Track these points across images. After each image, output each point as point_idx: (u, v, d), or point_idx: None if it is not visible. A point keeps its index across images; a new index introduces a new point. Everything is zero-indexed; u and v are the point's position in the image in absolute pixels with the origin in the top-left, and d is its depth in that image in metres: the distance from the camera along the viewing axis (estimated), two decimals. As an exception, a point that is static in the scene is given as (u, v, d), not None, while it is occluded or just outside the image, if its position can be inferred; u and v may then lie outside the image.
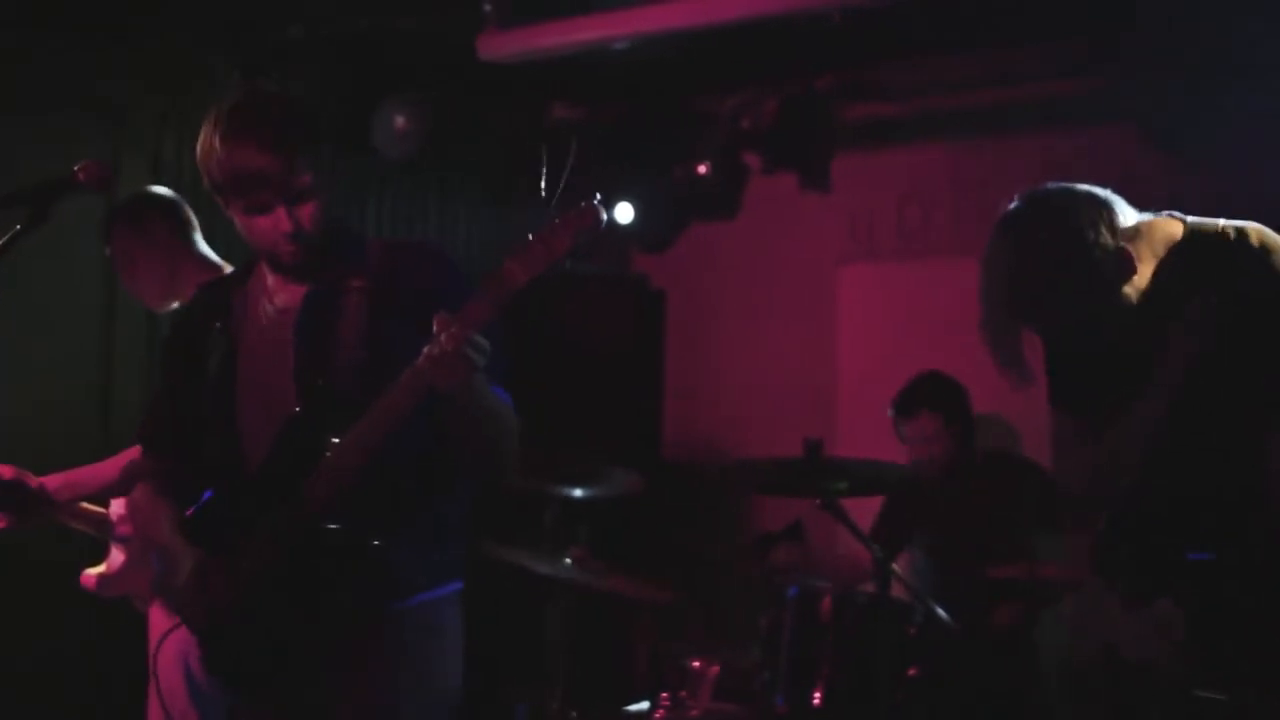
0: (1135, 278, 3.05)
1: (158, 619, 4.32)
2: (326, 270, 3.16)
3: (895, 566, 4.73)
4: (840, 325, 7.30)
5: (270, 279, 3.23)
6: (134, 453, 4.23)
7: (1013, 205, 3.16)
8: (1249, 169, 3.20)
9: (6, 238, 3.12)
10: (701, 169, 7.14)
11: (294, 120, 3.08)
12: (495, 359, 3.01)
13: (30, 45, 5.75)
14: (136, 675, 4.36)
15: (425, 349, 2.80)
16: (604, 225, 2.77)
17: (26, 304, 5.43)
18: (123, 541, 4.41)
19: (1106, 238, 3.03)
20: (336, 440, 2.94)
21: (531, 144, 7.34)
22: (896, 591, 4.76)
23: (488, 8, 6.25)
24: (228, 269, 4.52)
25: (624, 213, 7.36)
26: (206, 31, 6.22)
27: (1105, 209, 3.07)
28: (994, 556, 5.08)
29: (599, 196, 2.77)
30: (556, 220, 2.75)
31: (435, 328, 2.77)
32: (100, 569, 4.45)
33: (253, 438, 3.13)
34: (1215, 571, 3.02)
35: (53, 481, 4.26)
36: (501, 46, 6.30)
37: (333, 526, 2.96)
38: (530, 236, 2.75)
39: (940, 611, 4.68)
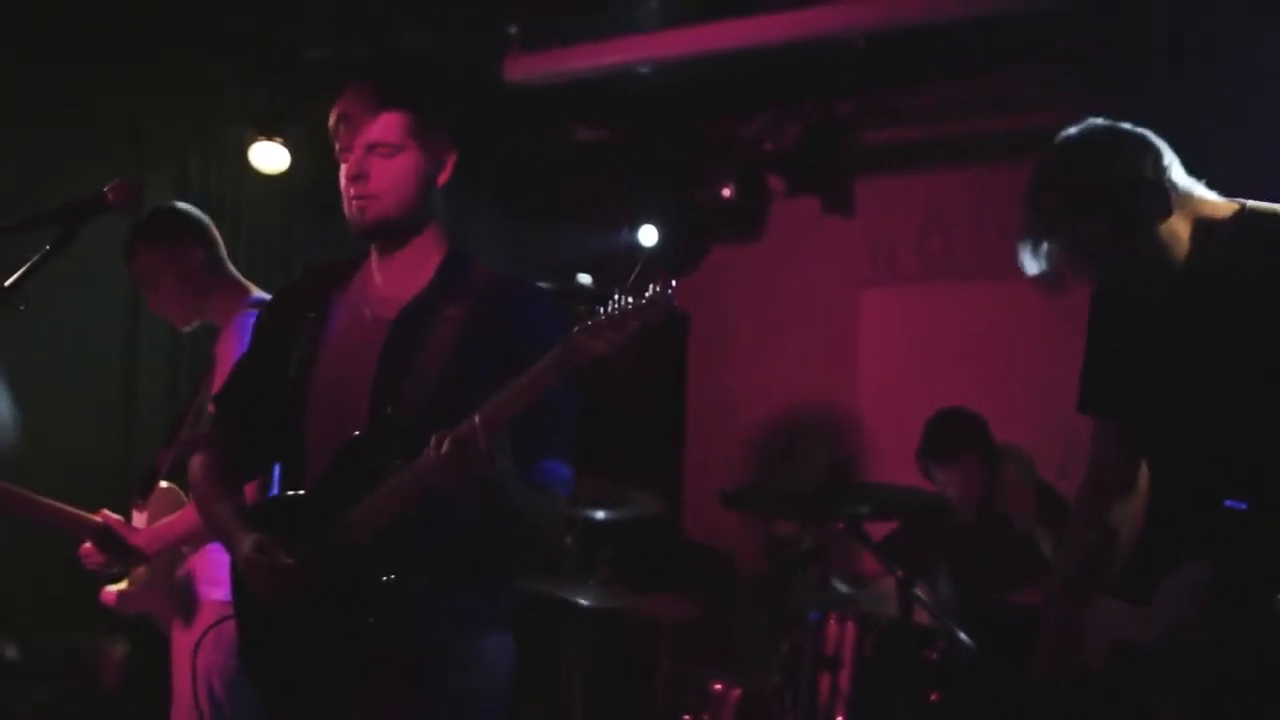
0: (1173, 223, 3.10)
1: (180, 638, 4.33)
2: (404, 250, 3.15)
3: (918, 591, 4.72)
4: (862, 348, 7.29)
5: (376, 281, 3.20)
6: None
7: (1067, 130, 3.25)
8: (1265, 190, 3.21)
9: (36, 258, 3.13)
10: (725, 192, 7.15)
11: (400, 80, 3.10)
12: (556, 433, 3.03)
13: (50, 64, 5.77)
14: (160, 691, 4.39)
15: (428, 448, 2.78)
16: (672, 316, 2.71)
17: (54, 318, 5.46)
18: (144, 561, 4.41)
19: (1148, 171, 3.10)
20: (393, 473, 2.90)
21: (554, 165, 7.37)
22: (919, 616, 4.75)
23: (513, 30, 6.28)
24: (254, 290, 4.53)
25: (647, 235, 7.37)
26: (229, 49, 6.25)
27: (1153, 149, 3.15)
28: (1015, 582, 5.07)
29: (673, 285, 2.70)
30: (629, 305, 2.69)
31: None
32: (121, 585, 4.46)
33: (317, 445, 3.08)
34: (1250, 519, 3.03)
35: None
36: (527, 69, 6.33)
37: (374, 563, 2.92)
38: (600, 312, 2.71)
39: (963, 636, 4.67)
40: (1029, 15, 5.77)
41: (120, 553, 4.28)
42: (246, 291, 4.51)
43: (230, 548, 3.12)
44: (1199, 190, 3.19)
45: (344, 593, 2.95)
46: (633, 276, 2.71)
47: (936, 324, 6.95)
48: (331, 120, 3.13)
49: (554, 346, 2.76)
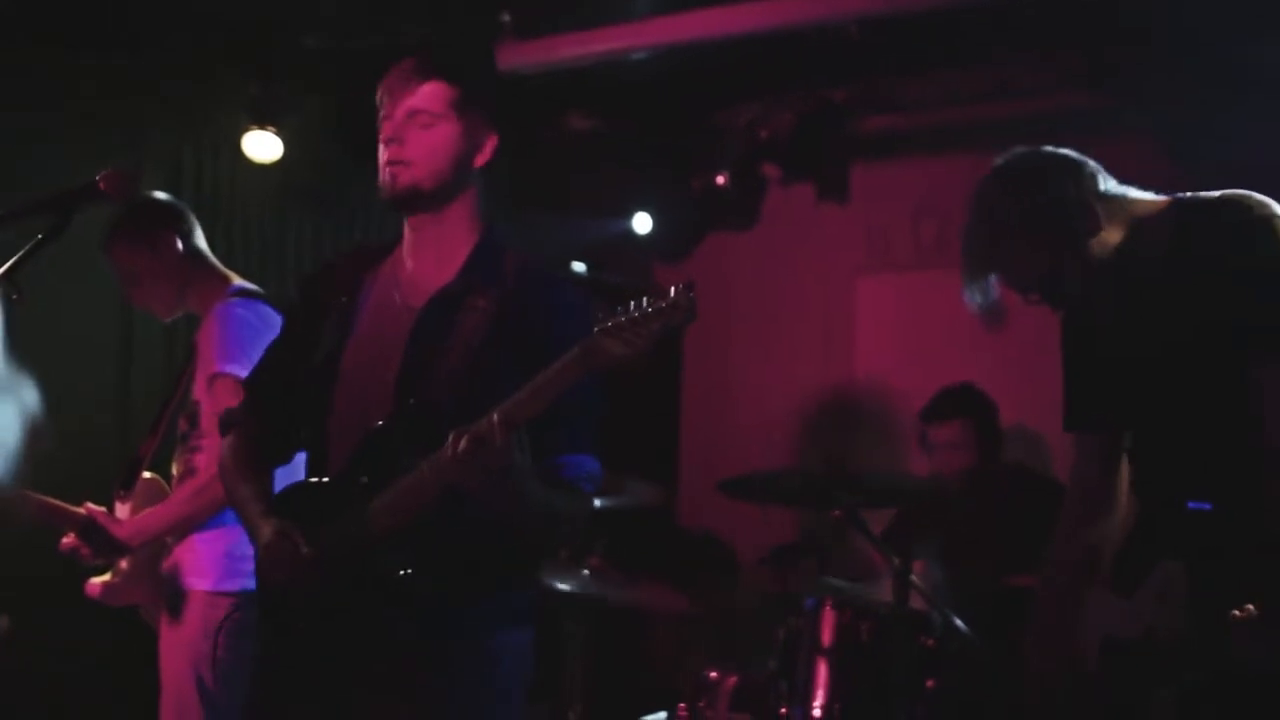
0: (1105, 235, 3.15)
1: (169, 631, 4.32)
2: (435, 232, 3.14)
3: (914, 577, 4.72)
4: (857, 336, 7.28)
5: (407, 266, 3.18)
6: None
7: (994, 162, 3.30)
8: (1264, 182, 3.22)
9: (29, 247, 3.13)
10: (720, 179, 7.14)
11: (449, 53, 3.11)
12: (584, 427, 3.04)
13: (49, 59, 5.76)
14: (148, 686, 4.38)
15: (445, 447, 2.76)
16: (692, 319, 2.68)
17: (49, 307, 5.45)
18: (128, 553, 4.39)
19: (1070, 190, 3.15)
20: (413, 468, 2.88)
21: (548, 154, 7.35)
22: (915, 602, 4.75)
23: (506, 18, 6.26)
24: (235, 279, 4.51)
25: (642, 223, 7.36)
26: (224, 42, 6.23)
27: (1076, 167, 3.20)
28: (1011, 567, 5.06)
29: (694, 289, 2.67)
30: (649, 307, 2.67)
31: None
32: (106, 577, 4.45)
33: (342, 433, 3.07)
34: (1214, 520, 3.05)
35: None
36: (520, 57, 6.31)
37: (392, 558, 2.90)
38: (620, 313, 2.68)
39: (959, 623, 4.67)
40: (1025, 2, 5.77)
41: (104, 545, 4.28)
42: (227, 280, 4.49)
43: (251, 534, 3.10)
44: (1132, 193, 3.24)
45: (361, 586, 2.93)
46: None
47: (932, 311, 6.92)
48: (379, 93, 3.14)
49: (581, 341, 2.73)
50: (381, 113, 3.12)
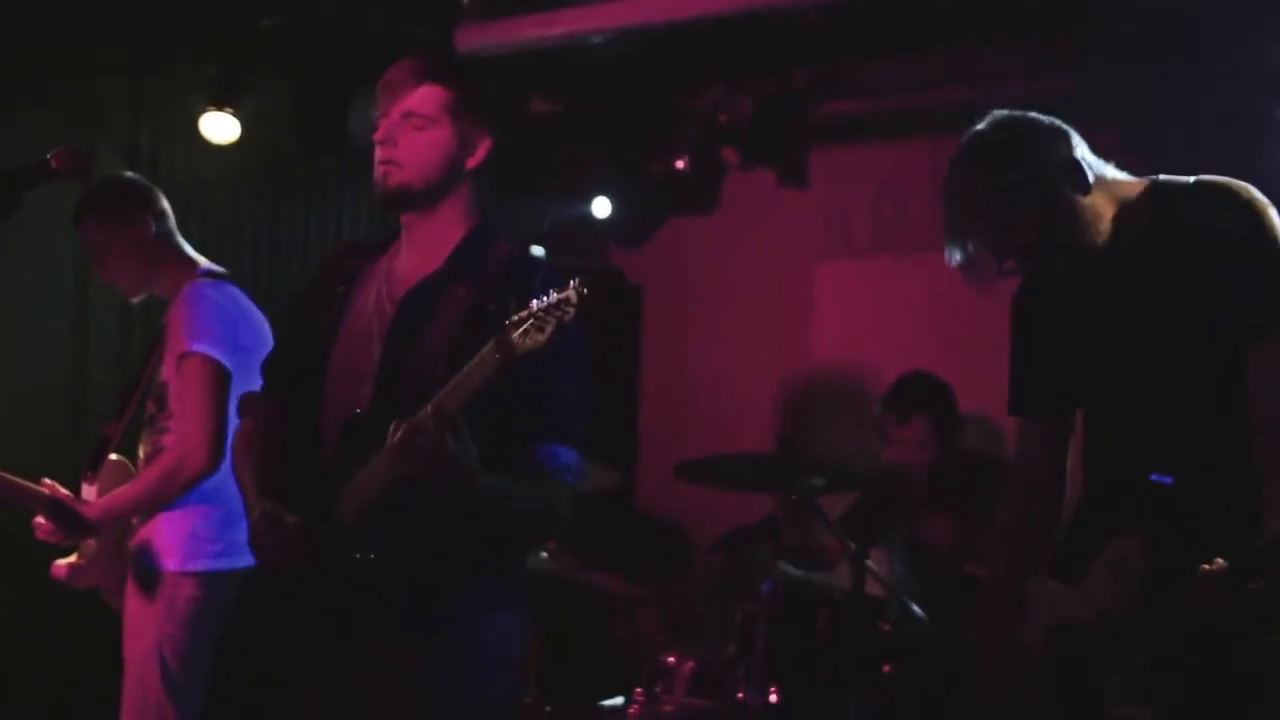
0: (1094, 201, 3.12)
1: (132, 612, 4.30)
2: (427, 227, 3.17)
3: (870, 563, 4.73)
4: (816, 321, 7.29)
5: (398, 259, 3.22)
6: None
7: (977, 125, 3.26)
8: (1226, 172, 3.22)
9: (-20, 225, 3.10)
10: (679, 164, 7.13)
11: (447, 58, 3.17)
12: (559, 416, 3.03)
13: (7, 38, 5.71)
14: (111, 670, 4.36)
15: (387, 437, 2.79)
16: (583, 314, 2.69)
17: (1, 287, 5.42)
18: (96, 533, 4.38)
19: (1063, 153, 3.13)
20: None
21: (507, 137, 7.33)
22: (872, 588, 4.76)
23: (465, 0, 6.24)
24: (203, 262, 4.50)
25: (601, 207, 7.35)
26: (181, 22, 6.19)
27: (1063, 133, 3.18)
28: (969, 554, 5.08)
29: (589, 285, 2.69)
30: (545, 304, 2.68)
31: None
32: (71, 559, 4.43)
33: (331, 421, 3.11)
34: (1176, 494, 3.04)
35: None
36: (479, 38, 6.28)
37: (357, 543, 2.93)
38: (533, 306, 2.69)
39: (915, 609, 4.68)
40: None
41: (72, 525, 4.27)
42: (195, 264, 4.50)
43: (246, 514, 3.14)
44: (1110, 171, 3.22)
45: (331, 571, 2.96)
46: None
47: (890, 296, 6.95)
48: (377, 90, 3.18)
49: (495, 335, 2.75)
50: (379, 110, 3.17)
